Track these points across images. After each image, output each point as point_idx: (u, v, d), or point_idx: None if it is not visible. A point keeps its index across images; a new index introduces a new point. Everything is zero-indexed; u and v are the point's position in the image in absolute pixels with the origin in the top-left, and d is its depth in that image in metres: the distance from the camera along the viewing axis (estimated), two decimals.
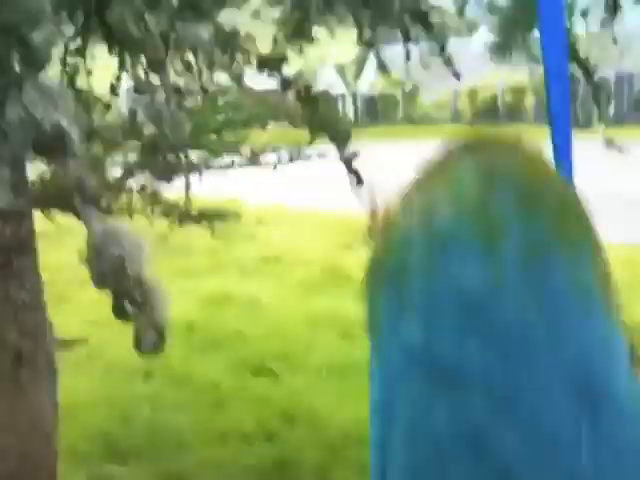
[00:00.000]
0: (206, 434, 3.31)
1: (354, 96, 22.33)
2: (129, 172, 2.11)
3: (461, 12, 2.66)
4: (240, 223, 3.16)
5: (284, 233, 6.53)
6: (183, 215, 2.69)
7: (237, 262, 5.98)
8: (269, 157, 3.22)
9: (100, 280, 1.45)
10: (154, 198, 2.47)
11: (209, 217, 2.88)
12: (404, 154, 3.25)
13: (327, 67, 15.84)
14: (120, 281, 1.41)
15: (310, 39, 2.64)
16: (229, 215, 2.98)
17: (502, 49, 2.56)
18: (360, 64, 17.52)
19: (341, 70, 15.05)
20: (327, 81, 15.56)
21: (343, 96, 22.16)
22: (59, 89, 1.63)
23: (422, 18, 2.40)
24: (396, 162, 3.49)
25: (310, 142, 2.61)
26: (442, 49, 2.50)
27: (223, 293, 5.15)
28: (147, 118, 2.06)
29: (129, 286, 1.42)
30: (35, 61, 1.50)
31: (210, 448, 3.19)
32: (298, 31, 2.55)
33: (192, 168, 2.34)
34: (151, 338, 1.60)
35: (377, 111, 18.02)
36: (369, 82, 17.18)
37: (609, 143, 2.21)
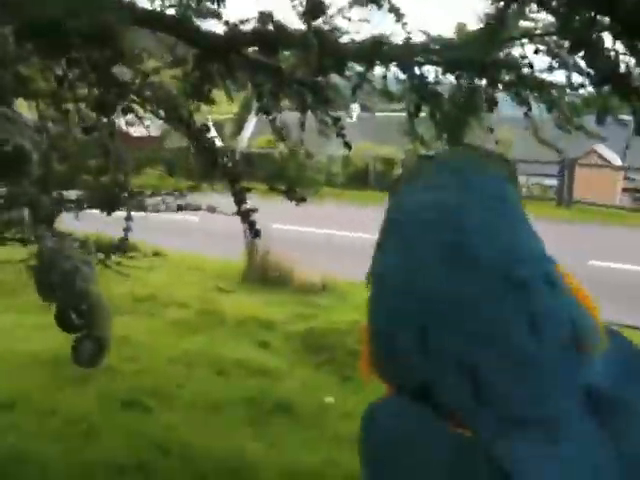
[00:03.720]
0: (74, 464, 3.30)
1: (232, 152, 22.65)
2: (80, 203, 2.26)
3: (354, 92, 3.07)
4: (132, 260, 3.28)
5: (161, 275, 6.57)
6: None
7: (109, 300, 5.90)
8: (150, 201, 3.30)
9: (47, 291, 1.60)
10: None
11: (106, 251, 3.02)
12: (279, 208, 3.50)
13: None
14: (68, 293, 1.58)
15: (210, 101, 2.88)
16: (125, 251, 3.14)
17: None
18: (239, 123, 18.01)
19: (219, 126, 15.48)
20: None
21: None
22: (22, 118, 1.81)
23: (318, 92, 2.74)
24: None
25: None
26: (336, 121, 2.88)
27: None
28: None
29: (76, 299, 1.58)
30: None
31: (77, 478, 3.19)
32: (198, 91, 2.76)
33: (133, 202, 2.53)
34: (89, 350, 1.76)
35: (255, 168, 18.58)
36: (246, 140, 17.73)
37: None
